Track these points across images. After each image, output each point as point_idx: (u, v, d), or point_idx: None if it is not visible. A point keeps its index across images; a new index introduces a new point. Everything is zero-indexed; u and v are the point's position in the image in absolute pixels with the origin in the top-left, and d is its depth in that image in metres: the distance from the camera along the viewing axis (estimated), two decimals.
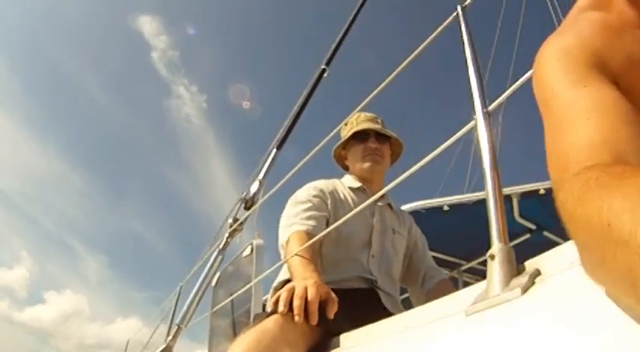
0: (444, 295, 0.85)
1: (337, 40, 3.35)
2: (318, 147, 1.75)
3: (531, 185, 3.34)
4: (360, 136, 1.87)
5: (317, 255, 1.53)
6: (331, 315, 1.16)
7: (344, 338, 1.12)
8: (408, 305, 2.10)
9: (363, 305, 1.46)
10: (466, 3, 1.39)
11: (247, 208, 2.22)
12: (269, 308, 1.26)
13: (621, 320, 0.49)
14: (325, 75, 3.11)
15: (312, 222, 1.57)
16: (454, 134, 1.08)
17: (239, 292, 2.24)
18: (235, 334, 1.76)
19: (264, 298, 2.14)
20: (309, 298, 1.15)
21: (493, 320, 0.68)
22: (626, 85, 0.58)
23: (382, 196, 1.81)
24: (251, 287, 2.12)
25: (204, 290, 2.11)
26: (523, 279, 0.68)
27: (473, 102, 1.05)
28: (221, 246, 2.11)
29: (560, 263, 0.66)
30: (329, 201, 1.72)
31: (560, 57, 0.63)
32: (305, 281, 1.22)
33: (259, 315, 1.24)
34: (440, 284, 1.74)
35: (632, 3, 0.64)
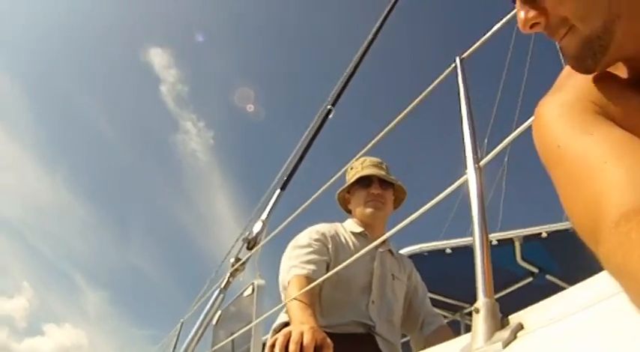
0: (442, 341, 0.88)
1: (343, 80, 3.36)
2: (321, 190, 1.78)
3: (534, 228, 3.36)
4: (364, 181, 1.91)
5: (316, 299, 1.55)
6: None
7: None
8: (408, 350, 2.10)
9: (360, 350, 1.48)
10: (464, 55, 1.45)
11: (250, 248, 2.25)
12: (266, 351, 1.28)
13: None
14: (331, 115, 3.15)
15: (312, 267, 1.60)
16: (450, 185, 1.12)
17: (239, 332, 2.24)
18: None
19: (264, 339, 2.14)
20: (305, 343, 1.18)
21: None
22: (628, 130, 0.55)
23: (383, 242, 1.84)
24: (251, 327, 2.13)
25: (205, 329, 2.12)
26: (505, 333, 0.71)
27: (465, 156, 1.08)
28: (222, 285, 2.13)
29: (542, 317, 0.69)
30: (330, 245, 1.75)
31: (560, 112, 0.61)
32: (302, 327, 1.25)
33: None
34: (438, 330, 1.75)
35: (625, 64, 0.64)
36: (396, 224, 1.28)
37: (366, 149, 1.72)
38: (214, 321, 2.69)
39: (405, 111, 1.60)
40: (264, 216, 2.42)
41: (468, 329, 0.89)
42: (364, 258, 1.75)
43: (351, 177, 1.96)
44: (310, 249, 1.69)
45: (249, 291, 2.44)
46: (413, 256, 3.36)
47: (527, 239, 3.34)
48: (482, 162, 1.06)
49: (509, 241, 3.36)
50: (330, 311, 1.62)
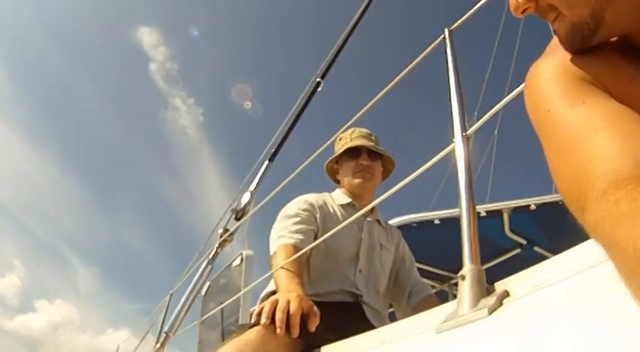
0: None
1: (333, 53, 3.34)
2: (309, 160, 1.78)
3: (522, 200, 3.37)
4: (352, 152, 1.90)
5: (303, 268, 1.55)
6: (312, 328, 1.19)
7: (323, 350, 1.15)
8: (394, 319, 2.12)
9: (347, 318, 1.49)
10: (453, 26, 1.43)
11: (238, 219, 2.25)
12: (253, 319, 1.28)
13: (584, 344, 0.52)
14: (320, 88, 3.13)
15: (299, 236, 1.60)
16: (438, 153, 1.11)
17: (228, 302, 2.26)
18: None
19: (252, 308, 2.16)
20: (291, 311, 1.18)
21: (461, 339, 0.71)
22: (621, 101, 0.54)
23: (371, 212, 1.84)
24: (240, 297, 2.14)
25: (194, 299, 2.13)
26: (491, 300, 0.71)
27: (453, 125, 1.08)
28: (211, 256, 2.13)
29: (527, 285, 0.69)
30: (318, 215, 1.75)
31: (551, 77, 0.60)
32: (288, 295, 1.25)
33: (243, 326, 1.27)
34: (425, 299, 1.76)
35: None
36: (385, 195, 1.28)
37: (354, 119, 1.70)
38: (203, 292, 2.70)
39: (393, 82, 1.59)
40: (252, 187, 2.42)
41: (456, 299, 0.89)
42: (352, 227, 1.75)
43: (340, 147, 1.95)
44: (298, 219, 1.68)
45: (237, 262, 2.46)
46: (402, 227, 3.38)
47: (515, 211, 3.35)
48: (469, 131, 1.06)
49: (498, 212, 3.37)
50: (317, 280, 1.63)
